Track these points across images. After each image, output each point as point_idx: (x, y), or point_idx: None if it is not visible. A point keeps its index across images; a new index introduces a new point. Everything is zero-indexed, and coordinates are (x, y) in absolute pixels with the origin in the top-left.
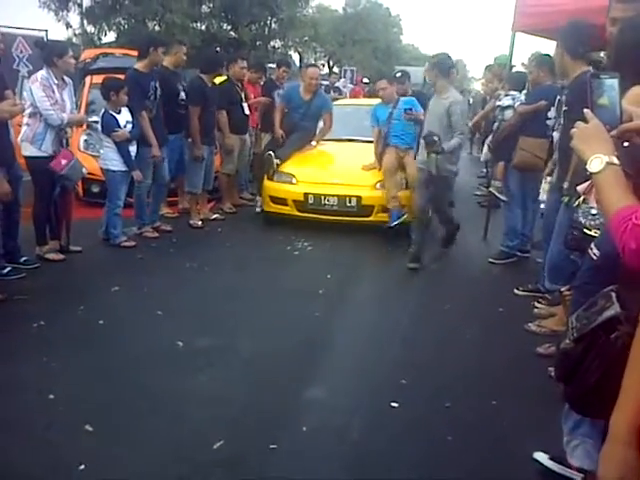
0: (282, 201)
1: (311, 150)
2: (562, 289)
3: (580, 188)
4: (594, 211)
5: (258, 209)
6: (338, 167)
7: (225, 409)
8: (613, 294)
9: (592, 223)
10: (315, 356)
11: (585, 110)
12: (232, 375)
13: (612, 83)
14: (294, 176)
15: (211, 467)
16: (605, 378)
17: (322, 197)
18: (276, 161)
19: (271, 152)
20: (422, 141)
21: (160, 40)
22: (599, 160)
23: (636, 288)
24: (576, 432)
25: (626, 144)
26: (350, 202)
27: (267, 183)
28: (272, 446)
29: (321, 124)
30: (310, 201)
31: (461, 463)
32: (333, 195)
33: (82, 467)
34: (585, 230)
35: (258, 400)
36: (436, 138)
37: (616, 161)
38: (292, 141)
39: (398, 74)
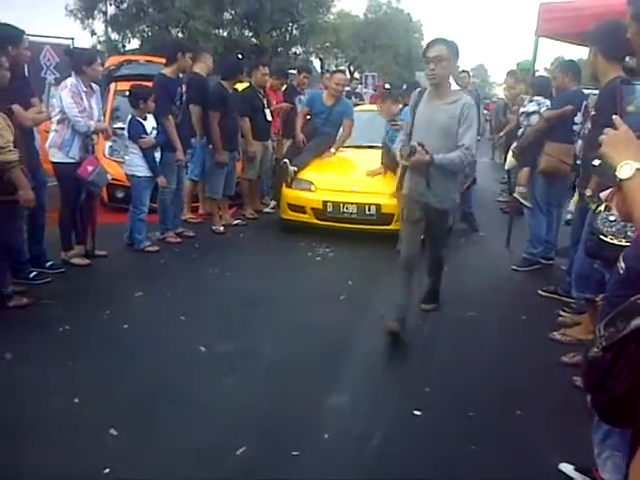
0: (300, 209)
1: (330, 157)
2: (596, 298)
3: (603, 195)
4: (612, 217)
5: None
6: (357, 174)
7: (247, 415)
8: None
9: (609, 230)
10: (337, 362)
11: (614, 116)
12: (254, 380)
13: None
14: (313, 183)
15: (233, 472)
16: (634, 387)
17: (341, 205)
18: (293, 168)
19: (287, 160)
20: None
21: (187, 46)
22: (629, 167)
23: None
24: (605, 444)
25: None
26: (369, 210)
27: (285, 190)
28: (294, 453)
29: (341, 130)
30: (329, 209)
31: (484, 473)
32: (352, 203)
33: (107, 471)
34: (602, 236)
35: (280, 406)
36: (416, 144)
37: None
38: (310, 148)
39: (387, 85)
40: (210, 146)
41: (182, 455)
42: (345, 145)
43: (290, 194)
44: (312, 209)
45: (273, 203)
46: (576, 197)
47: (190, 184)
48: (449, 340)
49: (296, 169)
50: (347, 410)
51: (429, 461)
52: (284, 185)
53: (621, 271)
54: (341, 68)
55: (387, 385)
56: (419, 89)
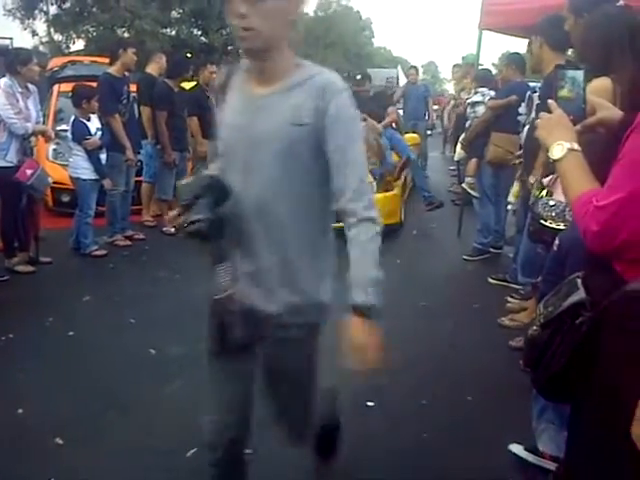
0: None
1: None
2: (535, 281)
3: (545, 181)
4: (552, 202)
5: None
6: None
7: (198, 416)
8: (578, 280)
9: (549, 214)
10: None
11: (549, 101)
12: (205, 382)
13: (577, 75)
14: None
15: (184, 474)
16: (571, 363)
17: None
18: None
19: None
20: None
21: (129, 42)
22: (560, 147)
23: (600, 272)
24: (542, 417)
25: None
26: None
27: None
28: (247, 451)
29: None
30: None
31: (438, 460)
32: None
33: None
34: (542, 221)
35: None
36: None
37: (577, 147)
38: None
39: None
40: (159, 146)
41: (131, 460)
42: None
43: None
44: None
45: None
46: (515, 188)
47: (147, 186)
48: (401, 330)
49: None
50: None
51: (382, 451)
52: None
53: (555, 248)
54: None
55: (339, 378)
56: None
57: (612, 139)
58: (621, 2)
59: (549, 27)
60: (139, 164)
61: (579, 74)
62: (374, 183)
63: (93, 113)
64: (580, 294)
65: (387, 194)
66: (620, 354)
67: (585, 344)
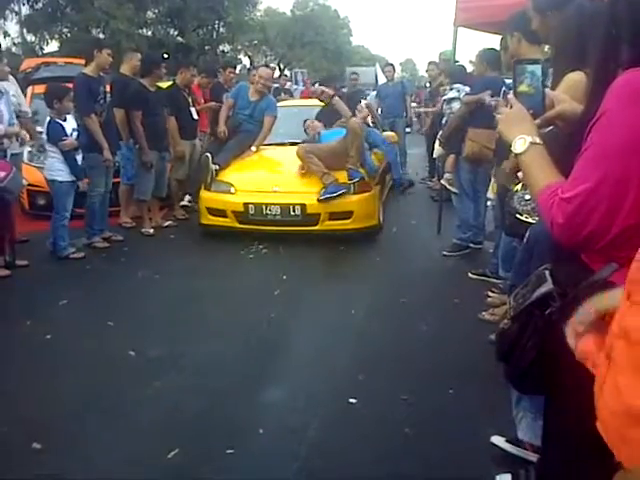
0: (221, 212)
1: (251, 156)
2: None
3: (520, 175)
4: (527, 197)
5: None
6: (280, 173)
7: (179, 417)
8: (547, 272)
9: (524, 208)
10: (271, 357)
11: (509, 95)
12: (186, 382)
13: (535, 69)
14: (233, 185)
15: (165, 476)
16: (541, 355)
17: (264, 207)
18: (214, 167)
19: (208, 154)
20: None
21: (104, 43)
22: (522, 141)
23: (567, 263)
24: (519, 406)
25: (549, 128)
26: (294, 211)
27: (204, 194)
28: (229, 451)
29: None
30: (251, 211)
31: (420, 455)
32: (275, 204)
33: None
34: (517, 215)
35: (213, 406)
36: None
37: (539, 141)
38: (230, 147)
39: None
40: (137, 146)
41: (110, 463)
42: (267, 143)
43: (209, 197)
44: (233, 212)
45: (188, 197)
46: (493, 183)
47: (125, 188)
48: (382, 326)
49: (217, 167)
50: (282, 404)
51: (365, 447)
52: (203, 188)
53: (525, 240)
54: (271, 65)
55: (321, 376)
56: None
57: (574, 131)
58: None
59: (525, 21)
60: (117, 165)
61: (537, 68)
62: (351, 185)
63: (67, 113)
64: (548, 285)
65: (364, 195)
66: None
67: (554, 335)
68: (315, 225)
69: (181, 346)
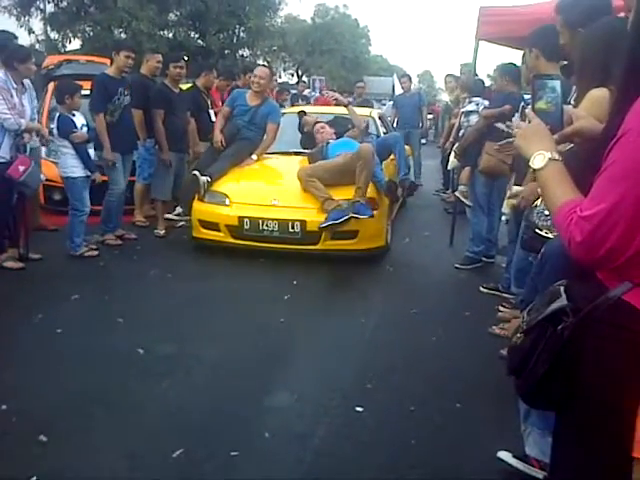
0: (214, 226)
1: (250, 165)
2: None
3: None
4: (547, 212)
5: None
6: (280, 185)
7: (185, 417)
8: (562, 287)
9: (544, 224)
10: (280, 362)
11: (527, 110)
12: (193, 382)
13: (554, 85)
14: (227, 196)
15: (168, 475)
16: (553, 370)
17: (260, 222)
18: (204, 178)
19: (196, 171)
20: None
21: (124, 44)
22: (542, 157)
23: (582, 280)
24: (527, 421)
25: (569, 146)
26: (293, 227)
27: (197, 205)
28: (233, 453)
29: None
30: (246, 226)
31: (425, 466)
32: (273, 219)
33: (34, 479)
34: (537, 230)
35: (219, 407)
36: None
37: (558, 157)
38: (228, 155)
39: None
40: (157, 146)
41: (115, 459)
42: (270, 152)
43: (201, 209)
44: (227, 226)
45: (179, 209)
46: (509, 198)
47: (140, 187)
48: (392, 337)
49: (209, 179)
50: (288, 409)
51: (371, 456)
52: (196, 198)
53: (539, 256)
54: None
55: (329, 383)
56: None
57: (593, 149)
58: (622, 14)
59: (544, 38)
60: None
61: (557, 84)
62: (353, 214)
63: (77, 109)
64: (562, 301)
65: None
66: (602, 361)
67: (567, 351)
68: (316, 244)
69: (190, 346)
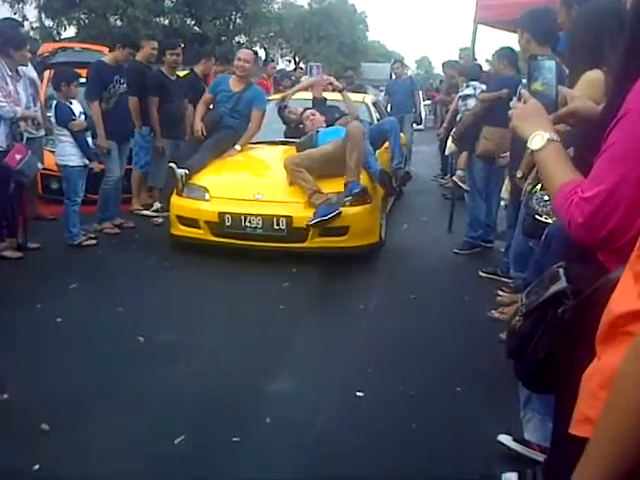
0: (193, 222)
1: (233, 156)
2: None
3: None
4: (547, 197)
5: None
6: (265, 178)
7: (187, 404)
8: (561, 270)
9: (544, 209)
10: (280, 348)
11: (522, 90)
12: (194, 370)
13: (550, 65)
14: (207, 190)
15: (171, 462)
16: (553, 354)
17: (242, 218)
18: (181, 171)
19: (173, 164)
20: None
21: (130, 40)
22: (540, 137)
23: (582, 261)
24: (527, 406)
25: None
26: (278, 224)
27: (175, 199)
28: (235, 439)
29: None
30: (227, 223)
31: (426, 450)
32: (256, 215)
33: (37, 467)
34: (537, 216)
35: (221, 394)
36: None
37: (556, 137)
38: (209, 145)
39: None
40: (152, 134)
41: (117, 446)
42: (255, 141)
43: (180, 204)
44: (206, 223)
45: (157, 205)
46: (507, 183)
47: (138, 175)
48: (392, 322)
49: (187, 172)
50: (289, 395)
51: (370, 440)
52: (174, 193)
53: (543, 239)
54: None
55: (330, 368)
56: None
57: (591, 130)
58: None
59: (533, 22)
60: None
61: (552, 64)
62: (345, 199)
63: (73, 97)
64: (562, 283)
65: (363, 207)
66: None
67: (567, 333)
68: (303, 242)
69: (190, 334)
